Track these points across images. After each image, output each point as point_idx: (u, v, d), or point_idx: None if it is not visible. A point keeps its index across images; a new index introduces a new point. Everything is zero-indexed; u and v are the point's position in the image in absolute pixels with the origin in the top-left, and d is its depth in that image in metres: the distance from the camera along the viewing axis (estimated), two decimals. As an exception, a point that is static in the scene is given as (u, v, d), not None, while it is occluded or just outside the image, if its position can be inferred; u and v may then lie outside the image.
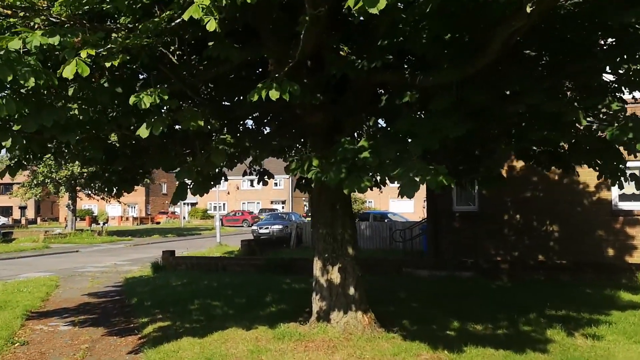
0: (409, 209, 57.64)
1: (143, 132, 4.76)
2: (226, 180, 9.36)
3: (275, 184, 71.70)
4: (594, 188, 13.22)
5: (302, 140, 7.77)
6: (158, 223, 64.43)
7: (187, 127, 5.00)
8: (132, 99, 4.51)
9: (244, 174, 10.53)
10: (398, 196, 5.44)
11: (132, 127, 5.69)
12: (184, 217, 62.44)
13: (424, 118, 5.35)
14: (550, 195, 13.42)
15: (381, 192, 33.68)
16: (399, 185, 5.19)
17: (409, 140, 5.68)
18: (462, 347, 6.69)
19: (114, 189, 8.14)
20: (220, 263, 15.09)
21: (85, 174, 29.90)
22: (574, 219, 13.30)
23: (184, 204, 68.75)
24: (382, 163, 5.63)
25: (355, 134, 7.72)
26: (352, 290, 7.54)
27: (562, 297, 10.05)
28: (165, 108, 5.03)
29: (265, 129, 8.88)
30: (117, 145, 7.42)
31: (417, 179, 5.03)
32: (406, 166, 5.17)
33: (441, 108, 5.32)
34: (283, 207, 69.90)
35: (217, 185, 9.39)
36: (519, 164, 13.58)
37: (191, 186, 6.17)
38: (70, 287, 13.50)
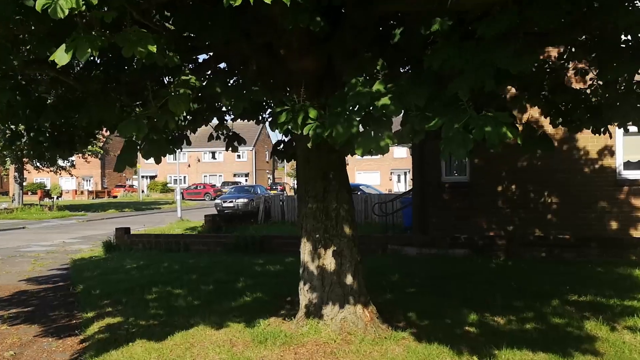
0: (375, 181, 56.55)
1: (61, 57, 3.09)
2: (189, 144, 7.71)
3: (238, 156, 69.61)
4: (596, 155, 12.02)
5: (287, 93, 6.16)
6: (115, 197, 61.77)
7: (131, 54, 3.33)
8: (40, 2, 2.83)
9: (210, 138, 8.84)
10: (441, 155, 3.95)
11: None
12: (143, 191, 59.99)
13: (469, 48, 3.81)
14: (548, 163, 12.17)
15: (347, 163, 32.36)
16: (441, 143, 3.69)
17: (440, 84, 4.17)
18: (492, 351, 5.31)
19: (46, 155, 6.39)
20: (183, 241, 13.43)
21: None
22: (574, 189, 12.11)
23: (143, 177, 66.21)
24: (409, 112, 4.11)
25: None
26: (349, 279, 6.06)
27: (574, 277, 8.83)
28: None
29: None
30: (46, 96, 5.67)
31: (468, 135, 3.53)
32: (450, 114, 3.66)
33: (493, 33, 3.78)
34: (246, 180, 68.01)
35: (177, 151, 7.73)
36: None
37: (142, 147, 4.51)
38: (6, 271, 11.65)
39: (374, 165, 59.41)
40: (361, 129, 4.22)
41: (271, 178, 75.91)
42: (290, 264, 10.91)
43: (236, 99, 4.84)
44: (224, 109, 9.42)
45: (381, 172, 59.53)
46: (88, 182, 70.45)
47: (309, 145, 4.48)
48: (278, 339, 5.79)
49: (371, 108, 4.06)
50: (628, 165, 12.01)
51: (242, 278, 9.37)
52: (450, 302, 7.26)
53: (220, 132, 8.92)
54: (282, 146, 8.55)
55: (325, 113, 4.43)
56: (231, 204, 29.99)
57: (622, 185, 11.88)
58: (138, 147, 4.50)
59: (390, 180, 60.32)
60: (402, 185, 59.43)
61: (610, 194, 11.96)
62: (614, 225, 11.93)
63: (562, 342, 5.60)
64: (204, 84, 5.25)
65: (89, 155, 39.45)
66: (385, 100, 4.03)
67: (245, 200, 30.10)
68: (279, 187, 62.15)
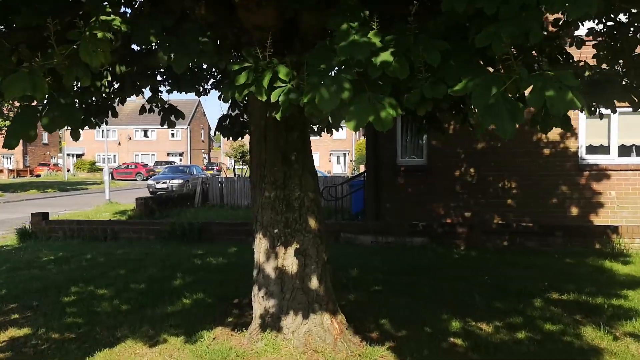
0: (314, 162, 55.58)
1: None
2: (114, 115, 6.39)
3: (172, 135, 67.10)
4: (558, 137, 11.45)
5: (239, 56, 4.93)
6: (38, 176, 58.02)
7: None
8: None
9: (142, 111, 7.51)
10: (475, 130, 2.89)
11: None
12: (69, 170, 56.67)
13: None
14: (508, 146, 11.49)
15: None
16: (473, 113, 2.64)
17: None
18: (491, 370, 4.40)
19: None
20: (110, 228, 11.93)
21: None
22: (535, 173, 11.51)
23: (68, 155, 62.66)
24: (416, 74, 3.03)
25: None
26: (315, 283, 4.98)
27: (548, 271, 8.15)
28: None
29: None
30: None
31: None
32: (484, 74, 2.62)
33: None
34: (181, 160, 65.58)
35: (100, 126, 6.38)
36: (475, 110, 11.47)
37: (45, 113, 3.22)
38: None
39: (312, 146, 58.33)
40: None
41: (207, 158, 73.67)
42: (235, 255, 9.74)
43: (178, 53, 3.60)
44: (159, 77, 8.13)
45: (320, 154, 58.63)
46: (8, 159, 66.04)
47: (278, 116, 3.35)
48: (227, 359, 4.66)
49: (367, 65, 2.96)
50: (590, 149, 11.51)
51: (179, 274, 8.12)
52: (425, 303, 6.33)
53: (154, 105, 7.60)
54: (228, 121, 7.34)
55: (299, 75, 3.29)
56: (165, 185, 28.32)
57: (584, 170, 11.38)
58: (39, 115, 3.22)
59: (330, 161, 59.61)
60: (341, 167, 58.87)
61: (571, 179, 11.44)
62: (575, 211, 11.44)
63: (564, 354, 4.76)
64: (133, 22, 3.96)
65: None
66: (385, 56, 2.94)
67: (180, 181, 28.49)
68: (215, 167, 60.25)
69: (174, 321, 5.81)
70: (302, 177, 5.03)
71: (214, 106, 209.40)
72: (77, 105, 3.45)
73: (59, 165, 60.67)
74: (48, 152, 70.39)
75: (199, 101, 70.39)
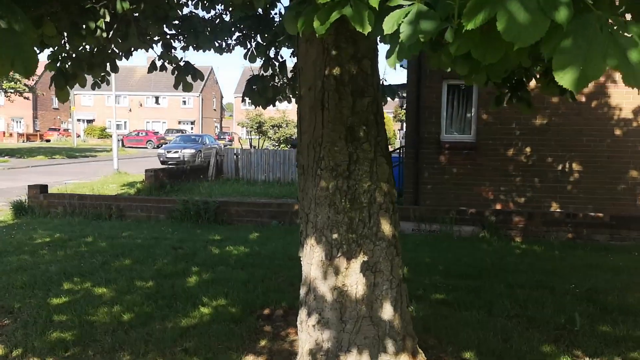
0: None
1: None
2: (114, 70, 4.96)
3: (184, 102, 65.61)
4: (631, 114, 9.87)
5: None
6: (48, 141, 56.96)
7: None
8: None
9: (151, 68, 6.07)
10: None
11: None
12: (79, 136, 55.53)
13: None
14: (572, 123, 9.96)
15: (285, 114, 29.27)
16: None
17: None
18: None
19: None
20: (116, 205, 10.58)
21: None
22: (602, 155, 9.98)
23: (79, 120, 61.53)
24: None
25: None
26: (387, 311, 3.58)
27: (637, 275, 6.71)
28: None
29: None
30: None
31: None
32: None
33: None
34: (192, 129, 64.23)
35: (99, 85, 4.97)
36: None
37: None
38: None
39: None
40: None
41: (218, 127, 72.24)
42: (258, 243, 8.37)
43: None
44: (172, 30, 6.74)
45: (335, 125, 56.85)
46: (18, 123, 64.97)
47: (392, 62, 1.88)
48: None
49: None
50: (669, 128, 9.93)
51: (194, 268, 6.76)
52: (510, 324, 4.93)
53: (167, 62, 6.16)
54: (257, 86, 5.86)
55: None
56: (176, 155, 26.98)
57: (661, 153, 9.82)
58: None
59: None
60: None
61: (645, 163, 9.90)
62: (646, 200, 9.93)
63: None
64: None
65: (11, 93, 35.02)
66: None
67: (193, 151, 27.12)
68: (227, 137, 58.88)
69: (190, 343, 4.45)
70: (373, 161, 3.58)
71: (227, 73, 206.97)
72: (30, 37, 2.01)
73: (69, 130, 59.48)
74: (58, 117, 69.18)
75: (212, 68, 68.62)
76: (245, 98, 5.83)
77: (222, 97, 78.13)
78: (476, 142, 10.47)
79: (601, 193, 9.96)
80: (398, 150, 13.46)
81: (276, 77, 6.48)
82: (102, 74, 5.35)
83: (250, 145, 23.94)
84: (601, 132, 9.95)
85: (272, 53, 6.23)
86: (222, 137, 57.78)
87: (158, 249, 7.84)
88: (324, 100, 3.57)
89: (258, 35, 6.77)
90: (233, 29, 6.88)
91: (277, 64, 6.06)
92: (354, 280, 3.55)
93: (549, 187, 10.15)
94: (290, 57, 6.42)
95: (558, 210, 9.83)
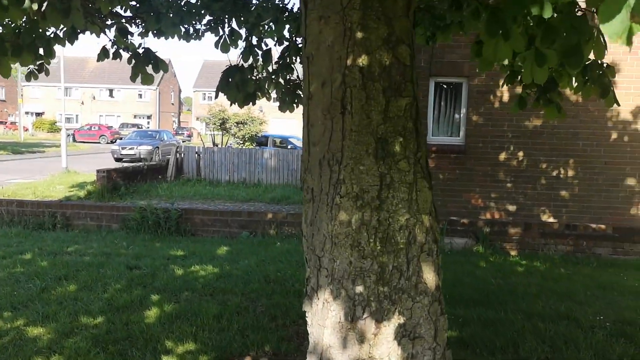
0: (291, 130, 52.72)
1: None
2: (50, 55, 3.81)
3: (140, 96, 63.32)
4: (630, 115, 9.20)
5: None
6: (-7, 135, 53.87)
7: None
8: None
9: (102, 55, 4.95)
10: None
11: None
12: (26, 129, 52.78)
13: None
14: (567, 124, 9.23)
15: (262, 111, 28.50)
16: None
17: None
18: None
19: None
20: (62, 213, 9.30)
21: None
22: (599, 161, 9.28)
23: (27, 113, 58.62)
24: None
25: None
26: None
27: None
28: None
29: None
30: None
31: None
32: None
33: None
34: (149, 123, 62.04)
35: (36, 76, 3.86)
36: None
37: None
38: None
39: (290, 113, 55.32)
40: None
41: (176, 122, 70.14)
42: (228, 259, 7.30)
43: None
44: (127, 12, 5.66)
45: (297, 120, 55.60)
46: (-39, 116, 61.45)
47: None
48: None
49: None
50: (669, 132, 9.31)
51: (154, 296, 5.65)
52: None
53: (121, 48, 5.04)
54: (235, 78, 4.78)
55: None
56: (132, 152, 25.49)
57: (660, 159, 9.19)
58: None
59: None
60: (318, 136, 56.12)
61: (644, 169, 9.25)
62: (645, 209, 9.28)
63: None
64: None
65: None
66: None
67: (149, 147, 25.65)
68: (185, 132, 57.15)
69: (152, 415, 3.38)
70: (413, 186, 2.59)
71: (185, 65, 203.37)
72: None
73: (17, 123, 56.51)
74: (5, 110, 65.77)
75: (170, 60, 66.44)
76: (217, 92, 4.74)
77: (180, 90, 75.95)
78: (465, 145, 9.63)
79: (597, 201, 9.26)
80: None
81: (254, 70, 5.42)
82: (40, 61, 4.21)
83: (213, 143, 22.62)
84: (598, 136, 9.25)
85: (253, 40, 5.16)
86: (180, 132, 56.01)
87: (110, 268, 6.68)
88: (346, 101, 2.57)
89: (233, 20, 5.70)
90: (203, 12, 5.79)
91: (259, 52, 5.01)
92: (386, 351, 2.56)
93: (543, 195, 9.39)
94: (275, 45, 5.37)
95: (555, 220, 9.07)
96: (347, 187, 2.56)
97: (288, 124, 55.78)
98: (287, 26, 5.26)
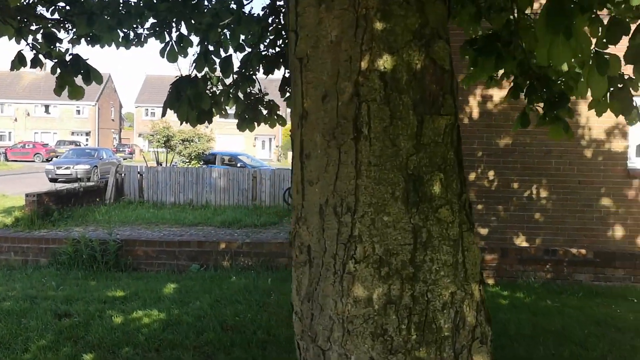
0: (238, 146, 51.67)
1: None
2: None
3: (78, 112, 60.73)
4: (603, 134, 8.80)
5: None
6: None
7: None
8: None
9: (17, 63, 3.97)
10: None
11: None
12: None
13: None
14: (540, 142, 8.74)
15: (208, 127, 27.68)
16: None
17: None
18: None
19: None
20: (-20, 246, 8.07)
21: None
22: (573, 180, 8.82)
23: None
24: None
25: None
26: None
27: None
28: None
29: None
30: None
31: None
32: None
33: None
34: (87, 141, 59.44)
35: None
36: (498, 92, 8.62)
37: None
38: None
39: (236, 129, 54.16)
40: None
41: (117, 139, 67.65)
42: (176, 301, 6.34)
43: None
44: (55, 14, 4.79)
45: (244, 137, 54.59)
46: None
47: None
48: None
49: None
50: (641, 150, 8.99)
51: (86, 354, 4.63)
52: None
53: (41, 53, 4.09)
54: (188, 93, 3.89)
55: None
56: (67, 171, 23.89)
57: (633, 177, 8.81)
58: None
59: (254, 146, 55.81)
60: (266, 152, 55.36)
61: (617, 188, 8.83)
62: (617, 231, 8.86)
63: None
64: None
65: None
66: None
67: (87, 167, 24.16)
68: (127, 149, 55.08)
69: None
70: (458, 243, 1.80)
71: (127, 80, 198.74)
72: None
73: (-59, 141, 52.97)
74: None
75: (110, 75, 64.14)
76: (165, 109, 3.84)
77: (121, 106, 73.44)
78: (432, 164, 8.98)
79: (572, 223, 8.78)
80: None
81: (208, 82, 4.56)
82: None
83: (157, 161, 21.33)
84: (571, 154, 8.79)
85: (210, 46, 4.29)
86: (121, 149, 53.87)
87: (34, 317, 5.59)
88: (361, 121, 1.77)
89: (182, 23, 4.83)
90: (145, 13, 4.89)
91: (217, 60, 4.14)
92: None
93: (515, 216, 8.84)
94: (235, 52, 4.50)
95: (532, 245, 8.52)
96: (365, 247, 1.75)
97: (236, 140, 54.69)
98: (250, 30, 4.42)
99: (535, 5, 4.58)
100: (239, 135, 53.62)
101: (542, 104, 4.13)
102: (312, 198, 1.88)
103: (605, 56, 2.21)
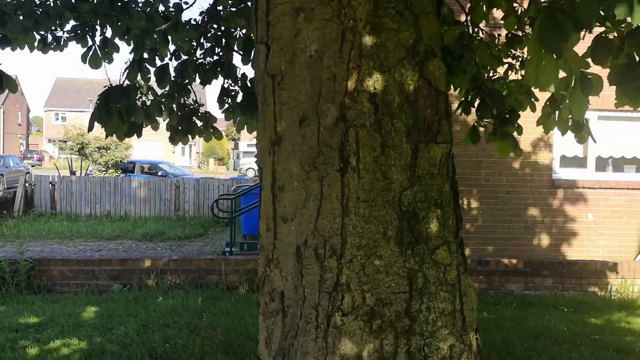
0: (157, 152, 50.00)
1: None
2: None
3: (-20, 115, 56.69)
4: (529, 146, 9.05)
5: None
6: None
7: None
8: None
9: None
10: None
11: None
12: None
13: None
14: (470, 153, 8.82)
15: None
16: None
17: None
18: None
19: None
20: None
21: None
22: (502, 191, 9.01)
23: None
24: None
25: None
26: None
27: (603, 347, 5.54)
28: None
29: None
30: None
31: None
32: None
33: None
34: (-9, 146, 55.58)
35: None
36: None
37: None
38: None
39: (154, 134, 52.49)
40: None
41: (24, 144, 63.80)
42: (97, 327, 5.82)
43: None
44: None
45: (163, 143, 52.81)
46: None
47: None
48: None
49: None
50: (565, 161, 9.29)
51: (-3, 399, 4.10)
52: None
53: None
54: (118, 104, 3.48)
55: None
56: (-32, 181, 22.01)
57: (558, 187, 9.11)
58: None
59: (174, 153, 54.21)
60: (186, 159, 53.93)
61: (543, 199, 9.11)
62: (544, 239, 9.13)
63: None
64: None
65: None
66: None
67: (-9, 176, 22.36)
68: (35, 155, 52.04)
69: None
70: (455, 288, 1.59)
71: (35, 81, 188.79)
72: None
73: None
74: None
75: (16, 76, 60.39)
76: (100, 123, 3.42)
77: (28, 110, 69.32)
78: (365, 175, 8.90)
79: (501, 232, 8.96)
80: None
81: (139, 91, 4.17)
82: None
83: (70, 170, 20.07)
84: (500, 165, 8.97)
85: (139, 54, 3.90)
86: (29, 155, 50.81)
87: None
88: (348, 150, 1.52)
89: (107, 26, 4.40)
90: (66, 15, 4.43)
91: (152, 69, 3.75)
92: None
93: (447, 227, 8.90)
94: (171, 59, 4.11)
95: (471, 256, 8.59)
96: (353, 297, 1.50)
97: (154, 147, 52.90)
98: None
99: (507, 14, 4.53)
100: (158, 142, 52.00)
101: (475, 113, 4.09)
102: (287, 237, 1.61)
103: (589, 76, 2.09)
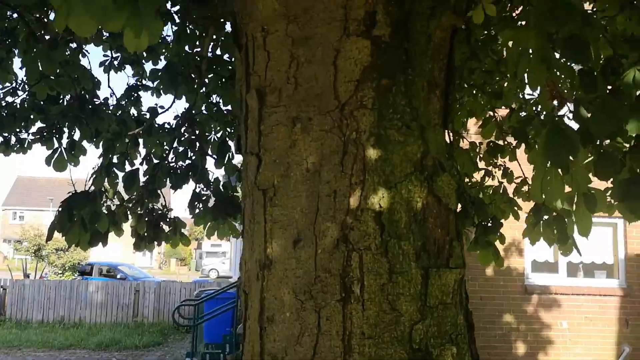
0: (116, 253, 48.51)
1: None
2: None
3: None
4: (503, 252, 8.95)
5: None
6: None
7: None
8: None
9: None
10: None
11: None
12: None
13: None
14: (441, 259, 8.73)
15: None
16: None
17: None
18: None
19: None
20: None
21: None
22: (476, 296, 8.79)
23: None
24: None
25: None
26: None
27: None
28: None
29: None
30: None
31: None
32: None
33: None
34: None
35: None
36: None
37: None
38: None
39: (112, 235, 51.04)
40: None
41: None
42: None
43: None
44: None
45: (123, 242, 51.54)
46: None
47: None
48: None
49: None
50: (536, 266, 9.22)
51: None
52: None
53: None
54: (87, 210, 3.24)
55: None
56: None
57: (531, 293, 8.98)
58: None
59: (134, 253, 52.79)
60: (147, 259, 52.45)
61: (517, 305, 8.93)
62: (519, 348, 8.86)
63: None
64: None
65: None
66: None
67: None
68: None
69: None
70: None
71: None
72: None
73: None
74: None
75: None
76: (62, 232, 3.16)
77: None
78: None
79: (479, 341, 8.65)
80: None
81: (104, 195, 3.93)
82: None
83: (24, 273, 19.08)
84: (473, 270, 8.79)
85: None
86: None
87: None
88: (350, 278, 1.33)
89: (76, 129, 4.24)
90: (32, 117, 4.28)
91: (121, 175, 3.55)
92: None
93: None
94: (142, 163, 3.93)
95: None
96: None
97: (113, 247, 51.37)
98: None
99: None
100: (117, 242, 50.57)
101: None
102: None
103: (592, 191, 1.99)
